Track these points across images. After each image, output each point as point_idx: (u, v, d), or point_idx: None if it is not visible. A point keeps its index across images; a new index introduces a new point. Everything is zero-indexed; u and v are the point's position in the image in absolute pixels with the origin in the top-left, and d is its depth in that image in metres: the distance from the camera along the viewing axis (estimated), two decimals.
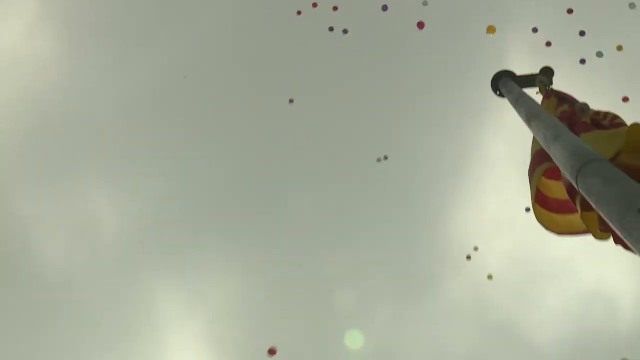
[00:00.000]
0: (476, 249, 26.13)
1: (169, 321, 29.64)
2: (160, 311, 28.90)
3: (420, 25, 24.37)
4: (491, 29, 13.90)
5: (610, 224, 5.06)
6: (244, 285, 29.87)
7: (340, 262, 29.22)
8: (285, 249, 29.18)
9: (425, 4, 24.86)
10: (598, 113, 7.30)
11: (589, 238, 7.21)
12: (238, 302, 29.51)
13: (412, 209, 29.50)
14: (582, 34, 21.81)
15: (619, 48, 20.16)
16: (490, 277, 26.16)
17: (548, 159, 6.97)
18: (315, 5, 25.61)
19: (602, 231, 6.67)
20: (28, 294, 27.89)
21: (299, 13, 26.08)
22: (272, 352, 24.10)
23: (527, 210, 15.79)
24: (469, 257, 25.51)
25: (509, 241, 29.97)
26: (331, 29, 25.92)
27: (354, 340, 29.91)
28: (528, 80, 9.05)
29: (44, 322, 27.63)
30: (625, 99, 20.82)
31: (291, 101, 25.64)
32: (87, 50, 29.46)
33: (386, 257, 29.08)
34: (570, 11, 22.86)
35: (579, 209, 6.61)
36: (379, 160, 25.43)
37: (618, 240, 6.53)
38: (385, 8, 24.70)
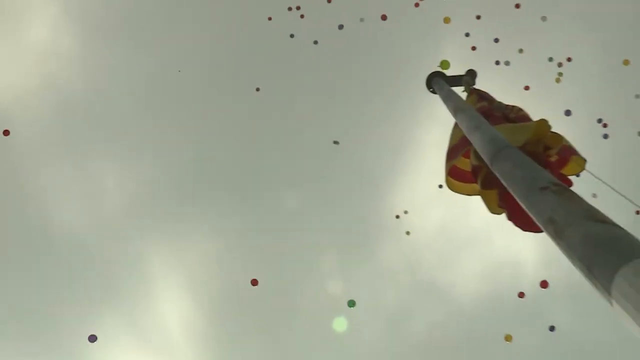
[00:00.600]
0: (406, 212, 28.54)
1: (159, 275, 33.35)
2: (153, 267, 32.83)
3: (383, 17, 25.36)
4: (445, 64, 14.90)
5: (519, 200, 5.63)
6: (219, 241, 33.59)
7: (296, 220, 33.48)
8: (252, 215, 33.12)
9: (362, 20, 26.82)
10: (507, 107, 8.16)
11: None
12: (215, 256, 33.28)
13: (359, 184, 32.29)
14: (496, 40, 25.70)
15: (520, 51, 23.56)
16: (408, 233, 28.89)
17: (469, 143, 7.57)
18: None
19: (500, 207, 7.44)
20: (45, 251, 30.59)
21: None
22: (254, 282, 25.13)
23: (440, 186, 16.81)
24: (397, 216, 28.19)
25: (438, 213, 32.96)
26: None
27: (340, 324, 31.65)
28: (455, 80, 9.81)
29: (56, 275, 30.70)
30: (527, 88, 24.79)
31: (336, 142, 27.54)
32: (103, 45, 32.09)
33: (335, 223, 32.24)
34: (478, 17, 25.87)
35: (479, 186, 7.51)
36: (335, 142, 27.49)
37: (511, 217, 7.47)
38: (341, 27, 26.40)
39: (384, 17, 25.43)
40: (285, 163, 32.79)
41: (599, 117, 25.27)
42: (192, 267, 33.29)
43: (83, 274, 31.09)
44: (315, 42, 27.42)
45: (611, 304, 4.51)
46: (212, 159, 33.05)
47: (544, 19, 26.75)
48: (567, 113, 23.07)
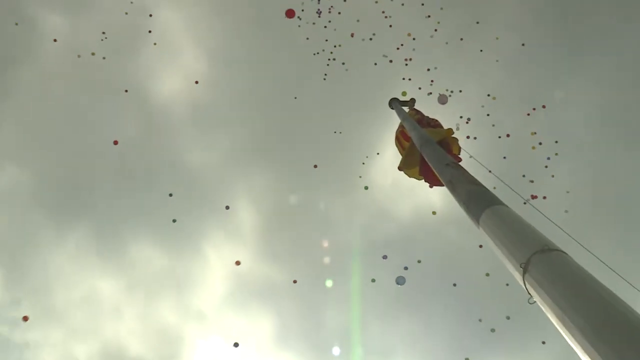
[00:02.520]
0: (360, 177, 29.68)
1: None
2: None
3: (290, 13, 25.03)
4: (404, 94, 15.83)
5: (434, 170, 7.32)
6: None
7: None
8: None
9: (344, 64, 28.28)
10: (430, 119, 9.06)
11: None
12: None
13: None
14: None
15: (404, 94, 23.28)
16: (366, 188, 29.02)
17: (409, 139, 9.28)
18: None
19: (420, 175, 9.14)
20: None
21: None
22: (290, 14, 23.58)
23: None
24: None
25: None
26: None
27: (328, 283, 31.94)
28: (404, 103, 11.35)
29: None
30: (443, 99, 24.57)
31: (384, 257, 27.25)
32: None
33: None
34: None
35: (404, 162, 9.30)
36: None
37: (427, 180, 9.22)
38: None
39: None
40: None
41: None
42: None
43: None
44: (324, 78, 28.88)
45: (478, 228, 5.96)
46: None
47: None
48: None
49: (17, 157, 28.92)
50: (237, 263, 26.84)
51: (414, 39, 27.15)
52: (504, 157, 26.56)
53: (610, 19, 32.09)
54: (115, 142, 24.92)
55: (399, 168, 9.50)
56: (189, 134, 32.35)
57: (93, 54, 26.92)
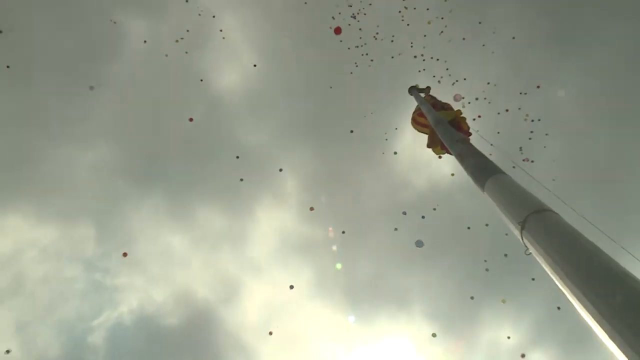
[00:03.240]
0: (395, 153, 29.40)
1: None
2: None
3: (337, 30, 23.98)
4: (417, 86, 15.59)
5: (448, 148, 7.31)
6: None
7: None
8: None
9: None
10: (443, 103, 9.11)
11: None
12: None
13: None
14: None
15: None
16: (395, 153, 29.04)
17: (423, 115, 9.24)
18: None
19: (442, 149, 8.88)
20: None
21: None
22: (337, 30, 22.35)
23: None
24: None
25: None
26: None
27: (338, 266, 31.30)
28: (422, 90, 11.05)
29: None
30: (458, 97, 23.31)
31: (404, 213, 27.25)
32: None
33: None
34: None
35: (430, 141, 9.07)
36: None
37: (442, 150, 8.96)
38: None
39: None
40: None
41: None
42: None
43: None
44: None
45: (483, 193, 5.91)
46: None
47: None
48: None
49: (109, 136, 29.51)
50: (311, 209, 26.58)
51: (424, 37, 27.77)
52: (498, 132, 25.87)
53: (594, 15, 31.62)
54: (191, 119, 25.59)
55: (428, 146, 9.35)
56: (245, 114, 32.70)
57: (177, 40, 27.24)
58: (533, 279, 23.11)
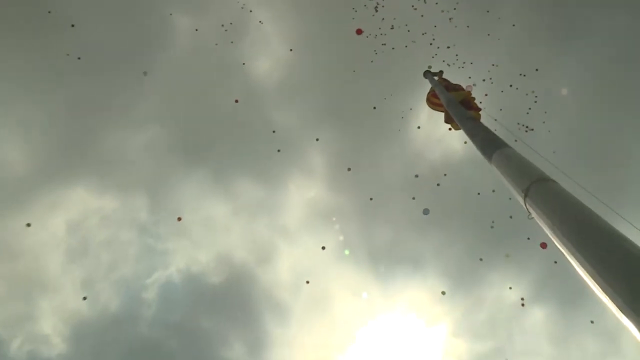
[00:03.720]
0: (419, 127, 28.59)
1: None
2: None
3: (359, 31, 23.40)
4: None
5: (459, 125, 7.19)
6: None
7: None
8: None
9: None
10: (454, 84, 8.98)
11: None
12: None
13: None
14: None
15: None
16: (418, 127, 28.48)
17: (436, 95, 9.10)
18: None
19: (455, 125, 8.75)
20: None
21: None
22: (359, 32, 22.09)
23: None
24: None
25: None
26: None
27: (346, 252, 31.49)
28: (435, 73, 10.75)
29: None
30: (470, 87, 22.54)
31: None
32: None
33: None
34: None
35: (446, 117, 8.92)
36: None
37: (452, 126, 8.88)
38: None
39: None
40: None
41: None
42: None
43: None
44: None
45: (490, 165, 5.80)
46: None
47: None
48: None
49: (160, 117, 30.00)
50: (349, 169, 26.71)
51: (434, 27, 27.14)
52: (500, 109, 25.61)
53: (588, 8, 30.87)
54: (236, 101, 25.94)
55: (445, 122, 9.23)
56: (280, 95, 32.41)
57: (226, 29, 27.45)
58: (528, 238, 22.45)
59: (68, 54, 23.63)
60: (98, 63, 26.50)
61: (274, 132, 26.23)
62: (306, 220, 31.70)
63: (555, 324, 29.05)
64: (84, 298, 26.29)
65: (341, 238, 30.82)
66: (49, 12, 24.66)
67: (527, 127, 23.56)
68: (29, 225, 24.94)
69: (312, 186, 32.60)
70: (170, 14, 28.36)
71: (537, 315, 29.26)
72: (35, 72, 26.31)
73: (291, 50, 29.18)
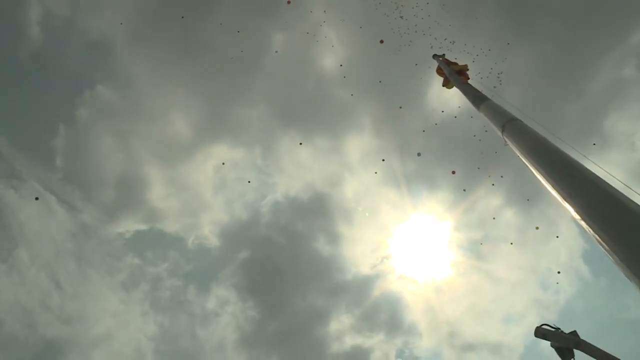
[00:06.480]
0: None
1: None
2: None
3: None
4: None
5: (459, 89, 8.10)
6: None
7: None
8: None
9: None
10: (451, 61, 10.27)
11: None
12: None
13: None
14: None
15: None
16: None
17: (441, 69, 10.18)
18: None
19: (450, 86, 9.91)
20: None
21: None
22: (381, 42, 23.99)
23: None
24: None
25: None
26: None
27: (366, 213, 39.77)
28: (440, 55, 11.62)
29: None
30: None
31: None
32: None
33: None
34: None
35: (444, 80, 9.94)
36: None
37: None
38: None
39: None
40: None
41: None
42: None
43: None
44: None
45: (479, 112, 7.23)
46: None
47: None
48: None
49: (269, 97, 38.78)
50: (419, 154, 29.06)
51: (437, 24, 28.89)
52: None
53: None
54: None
55: (443, 85, 10.80)
56: (342, 83, 36.16)
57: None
58: (496, 152, 25.72)
59: None
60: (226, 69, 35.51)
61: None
62: (362, 157, 40.09)
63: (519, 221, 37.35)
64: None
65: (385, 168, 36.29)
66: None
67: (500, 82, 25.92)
68: (37, 199, 33.60)
69: (364, 137, 40.46)
70: (276, 52, 36.01)
71: (509, 214, 37.57)
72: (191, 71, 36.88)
73: (341, 66, 33.41)
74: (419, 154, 28.22)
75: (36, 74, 37.54)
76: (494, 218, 36.62)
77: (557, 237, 33.91)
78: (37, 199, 33.96)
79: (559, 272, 37.18)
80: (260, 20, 35.12)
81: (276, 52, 35.97)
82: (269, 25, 35.72)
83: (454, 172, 27.14)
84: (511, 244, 35.94)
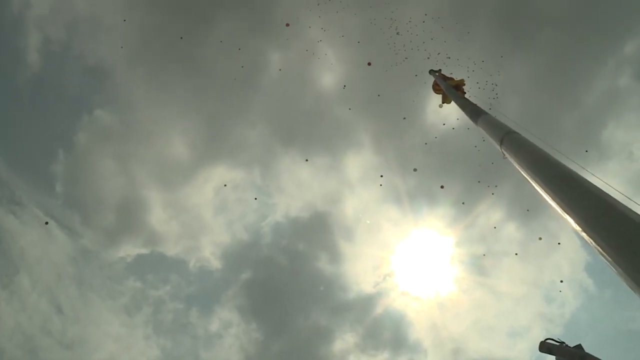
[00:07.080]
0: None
1: None
2: None
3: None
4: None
5: (456, 104, 8.16)
6: None
7: None
8: None
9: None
10: (447, 76, 10.22)
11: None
12: None
13: None
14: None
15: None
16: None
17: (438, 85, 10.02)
18: None
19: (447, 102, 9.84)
20: None
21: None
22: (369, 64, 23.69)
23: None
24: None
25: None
26: None
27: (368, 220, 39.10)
28: (436, 71, 11.79)
29: None
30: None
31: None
32: None
33: None
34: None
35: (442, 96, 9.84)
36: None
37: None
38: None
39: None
40: None
41: None
42: None
43: None
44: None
45: (477, 127, 7.23)
46: None
47: None
48: None
49: (264, 118, 38.35)
50: (415, 170, 29.86)
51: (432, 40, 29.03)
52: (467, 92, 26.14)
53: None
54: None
55: (441, 103, 10.91)
56: (340, 98, 35.59)
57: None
58: (492, 163, 24.55)
59: None
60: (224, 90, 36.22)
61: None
62: (362, 175, 39.45)
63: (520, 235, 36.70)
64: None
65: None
66: None
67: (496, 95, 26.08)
68: (47, 223, 33.77)
69: (362, 156, 39.54)
70: (280, 70, 36.05)
71: (510, 228, 37.04)
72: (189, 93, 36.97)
73: (344, 86, 32.77)
74: (414, 170, 28.54)
75: (35, 99, 37.73)
76: (495, 227, 36.05)
77: (559, 243, 33.59)
78: (47, 223, 33.94)
79: (561, 282, 36.74)
80: (258, 40, 35.47)
81: (280, 69, 36.39)
82: (267, 44, 36.07)
83: (442, 187, 26.90)
84: (516, 254, 35.52)
